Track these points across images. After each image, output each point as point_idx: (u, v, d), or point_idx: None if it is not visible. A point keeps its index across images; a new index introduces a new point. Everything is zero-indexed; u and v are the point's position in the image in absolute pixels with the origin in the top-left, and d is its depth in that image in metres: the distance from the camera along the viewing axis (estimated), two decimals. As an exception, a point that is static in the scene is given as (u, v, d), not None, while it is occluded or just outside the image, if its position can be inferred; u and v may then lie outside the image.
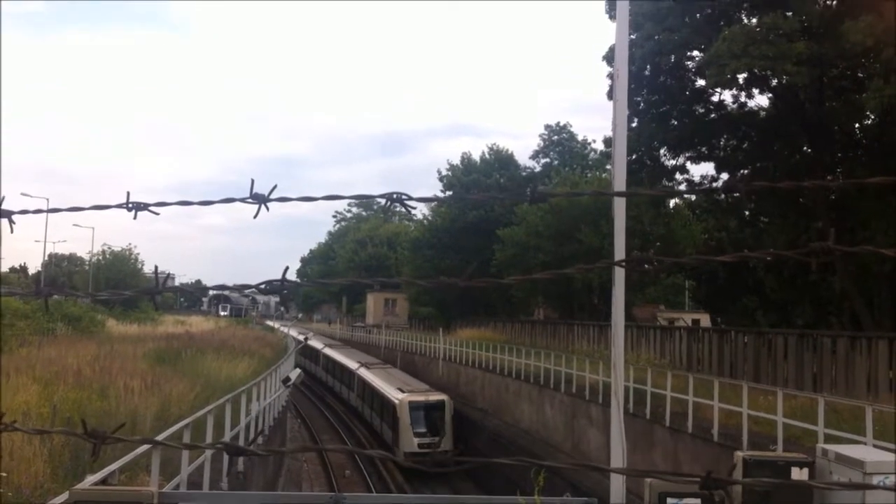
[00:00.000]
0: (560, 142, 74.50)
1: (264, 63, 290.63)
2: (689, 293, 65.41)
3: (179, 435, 13.05)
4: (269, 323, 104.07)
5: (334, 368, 64.18)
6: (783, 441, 19.07)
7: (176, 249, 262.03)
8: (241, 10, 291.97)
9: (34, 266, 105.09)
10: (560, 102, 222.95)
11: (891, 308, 32.26)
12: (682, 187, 40.65)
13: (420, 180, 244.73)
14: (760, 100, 37.44)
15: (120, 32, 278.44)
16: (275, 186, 2.44)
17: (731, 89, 35.80)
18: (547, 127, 75.65)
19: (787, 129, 35.68)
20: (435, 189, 76.20)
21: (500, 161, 72.55)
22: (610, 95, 30.03)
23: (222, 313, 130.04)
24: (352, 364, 57.01)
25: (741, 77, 33.32)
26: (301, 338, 71.00)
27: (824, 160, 35.85)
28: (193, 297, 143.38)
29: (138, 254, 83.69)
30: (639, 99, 36.54)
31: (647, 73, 36.14)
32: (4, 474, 11.89)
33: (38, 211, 3.07)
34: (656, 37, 34.51)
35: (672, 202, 47.13)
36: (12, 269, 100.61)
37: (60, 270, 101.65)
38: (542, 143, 75.07)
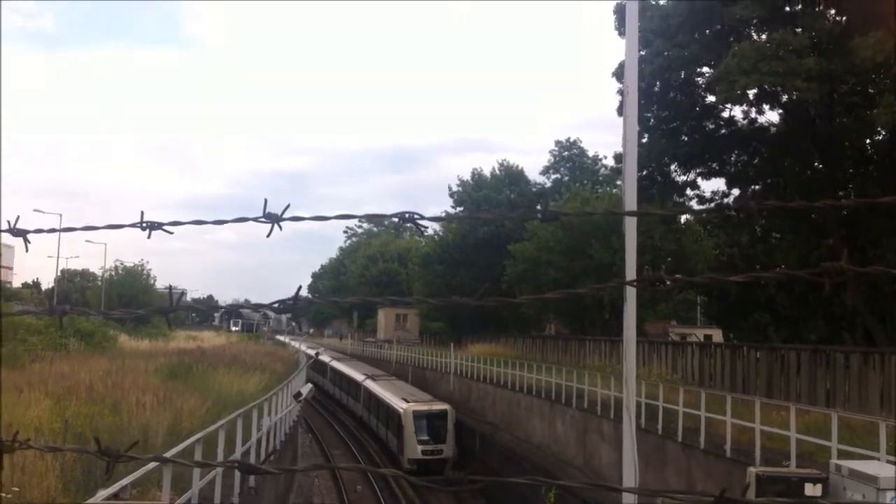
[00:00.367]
0: (570, 157, 74.47)
1: (273, 79, 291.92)
2: (701, 309, 65.30)
3: (191, 450, 13.06)
4: (280, 338, 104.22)
5: (341, 381, 66.00)
6: (796, 457, 18.95)
7: (187, 264, 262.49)
8: (251, 27, 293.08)
9: (47, 282, 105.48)
10: (570, 118, 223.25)
11: (904, 324, 32.13)
12: (693, 203, 40.62)
13: (431, 196, 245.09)
14: (771, 116, 37.48)
15: (130, 50, 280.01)
16: (287, 206, 2.45)
17: (741, 105, 35.82)
18: (557, 143, 75.67)
19: (797, 145, 35.64)
20: (446, 204, 76.39)
21: (511, 177, 72.57)
22: (620, 111, 30.07)
23: (234, 328, 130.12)
24: (358, 376, 59.00)
25: (751, 93, 33.32)
26: (312, 353, 71.19)
27: (835, 176, 35.80)
28: (205, 312, 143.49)
29: (150, 269, 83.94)
30: (649, 115, 36.56)
31: (656, 89, 36.17)
32: (17, 489, 11.91)
33: (53, 230, 3.09)
34: (666, 53, 34.54)
35: (683, 218, 47.08)
36: (25, 285, 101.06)
37: (73, 286, 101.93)
38: (552, 159, 75.07)
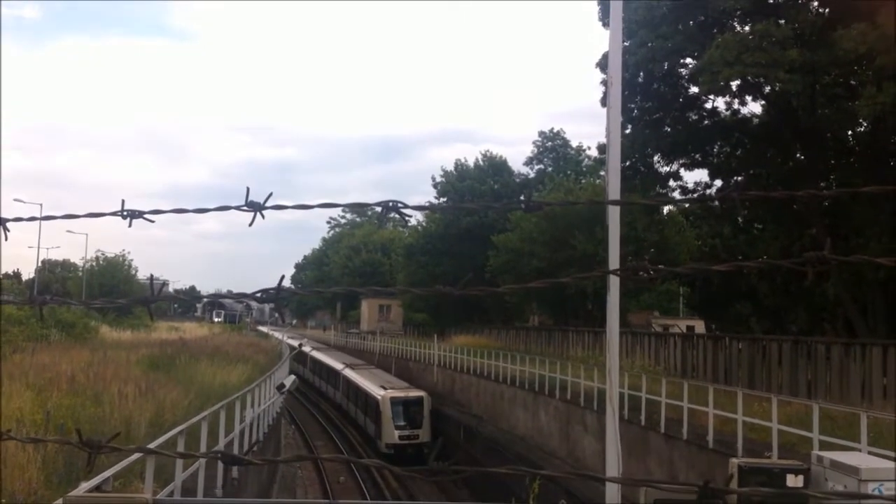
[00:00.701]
0: (554, 148, 74.54)
1: (257, 68, 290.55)
2: (684, 300, 65.54)
3: (174, 442, 13.02)
4: (262, 329, 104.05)
5: (321, 370, 67.55)
6: (778, 448, 19.07)
7: (170, 255, 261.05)
8: (236, 16, 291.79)
9: (27, 272, 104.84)
10: (554, 109, 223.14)
11: (885, 315, 32.32)
12: (676, 194, 40.76)
13: (414, 186, 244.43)
14: (753, 107, 37.62)
15: (115, 39, 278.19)
16: (270, 194, 2.43)
17: (724, 96, 36.00)
18: (541, 133, 75.76)
19: (780, 136, 35.79)
20: (429, 195, 76.25)
21: (494, 167, 72.62)
22: (603, 102, 30.08)
23: (216, 319, 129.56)
24: (337, 365, 60.90)
25: (734, 84, 33.46)
26: (295, 344, 71.23)
27: (817, 167, 35.98)
28: (187, 303, 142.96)
29: (132, 260, 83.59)
30: (632, 106, 36.62)
31: (640, 79, 36.22)
32: (-3, 482, 11.85)
33: (33, 218, 3.06)
34: (650, 44, 34.58)
35: (666, 209, 47.25)
36: (6, 275, 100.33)
37: (54, 276, 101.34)
38: (535, 150, 75.11)
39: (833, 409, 20.19)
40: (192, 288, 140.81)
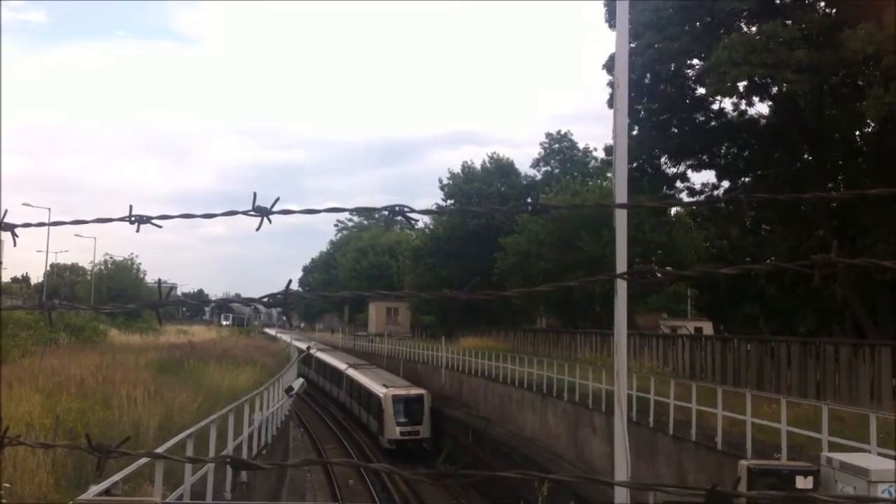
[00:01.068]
0: (561, 150, 74.41)
1: (262, 71, 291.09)
2: (692, 301, 65.39)
3: (183, 445, 13.04)
4: (269, 331, 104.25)
5: (325, 370, 69.36)
6: (787, 449, 19.03)
7: (178, 259, 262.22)
8: (243, 20, 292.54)
9: (36, 276, 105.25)
10: (560, 111, 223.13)
11: (893, 315, 32.21)
12: (683, 195, 40.70)
13: (421, 189, 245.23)
14: (761, 108, 37.54)
15: (121, 42, 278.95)
16: (277, 199, 2.44)
17: (731, 97, 35.91)
18: (548, 135, 75.60)
19: (787, 137, 35.72)
20: (436, 197, 76.40)
21: (501, 169, 72.57)
22: (610, 104, 30.02)
23: (224, 323, 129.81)
24: (341, 365, 62.99)
25: (741, 85, 33.36)
26: (303, 347, 71.44)
27: (825, 168, 35.89)
28: (195, 306, 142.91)
29: (140, 264, 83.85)
30: (639, 107, 36.58)
31: (647, 81, 36.18)
32: (8, 485, 11.88)
33: (41, 224, 3.07)
34: (656, 45, 34.53)
35: (673, 210, 47.15)
36: (14, 280, 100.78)
37: (62, 281, 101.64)
38: (542, 152, 74.99)
39: (842, 410, 20.14)
40: (200, 291, 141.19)
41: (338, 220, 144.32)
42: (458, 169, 73.91)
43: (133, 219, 2.60)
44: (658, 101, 37.38)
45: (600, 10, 37.79)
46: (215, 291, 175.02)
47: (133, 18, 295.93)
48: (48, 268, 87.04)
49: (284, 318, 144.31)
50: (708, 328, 52.15)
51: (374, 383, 50.80)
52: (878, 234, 31.72)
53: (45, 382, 22.06)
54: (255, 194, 2.43)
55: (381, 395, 46.85)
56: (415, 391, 47.79)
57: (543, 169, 74.38)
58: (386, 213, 2.35)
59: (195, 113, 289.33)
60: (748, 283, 39.30)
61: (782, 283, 38.15)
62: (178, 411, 20.47)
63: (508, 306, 62.36)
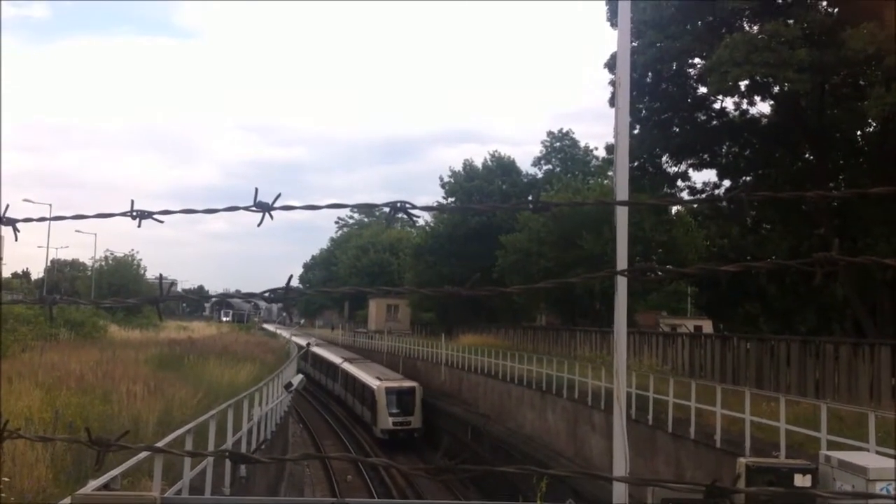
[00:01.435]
0: (562, 148, 74.52)
1: (265, 67, 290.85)
2: (692, 300, 65.42)
3: (182, 440, 13.06)
4: (268, 327, 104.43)
5: (321, 364, 70.97)
6: (786, 447, 19.05)
7: (178, 255, 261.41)
8: (244, 16, 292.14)
9: (37, 272, 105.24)
10: (562, 109, 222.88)
11: (893, 315, 32.22)
12: (685, 194, 40.67)
13: (422, 186, 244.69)
14: (762, 107, 37.52)
15: (123, 37, 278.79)
16: (279, 195, 2.44)
17: (732, 96, 35.90)
18: (549, 134, 75.76)
19: (788, 137, 35.72)
20: (437, 195, 76.32)
21: (502, 168, 72.62)
22: (612, 103, 30.07)
23: (224, 319, 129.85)
24: (336, 359, 65.35)
25: (743, 84, 33.35)
26: (303, 343, 71.74)
27: (826, 167, 35.89)
28: (196, 302, 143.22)
29: (140, 259, 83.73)
30: (640, 106, 36.56)
31: (648, 80, 36.17)
32: (7, 479, 11.89)
33: (43, 219, 3.07)
34: (658, 44, 34.53)
35: (674, 209, 47.18)
36: (15, 275, 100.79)
37: (63, 276, 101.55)
38: (544, 150, 75.12)
39: (841, 408, 20.17)
40: (201, 287, 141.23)
41: (338, 218, 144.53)
42: (459, 167, 74.07)
43: (134, 213, 2.60)
44: (659, 99, 37.38)
45: (602, 8, 37.79)
46: (215, 288, 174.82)
47: (134, 13, 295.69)
48: (49, 263, 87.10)
49: (284, 314, 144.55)
50: (708, 326, 52.16)
51: (368, 376, 52.68)
52: (879, 233, 31.74)
53: (45, 377, 22.07)
54: (256, 190, 2.43)
55: (375, 387, 48.74)
56: (407, 384, 49.80)
57: (545, 167, 74.55)
58: (388, 209, 2.35)
59: (197, 109, 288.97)
60: (748, 282, 39.31)
61: (783, 282, 38.16)
62: (177, 407, 20.51)
63: (509, 303, 62.44)
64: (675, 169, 40.06)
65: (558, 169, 72.73)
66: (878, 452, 15.03)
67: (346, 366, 60.55)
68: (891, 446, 15.71)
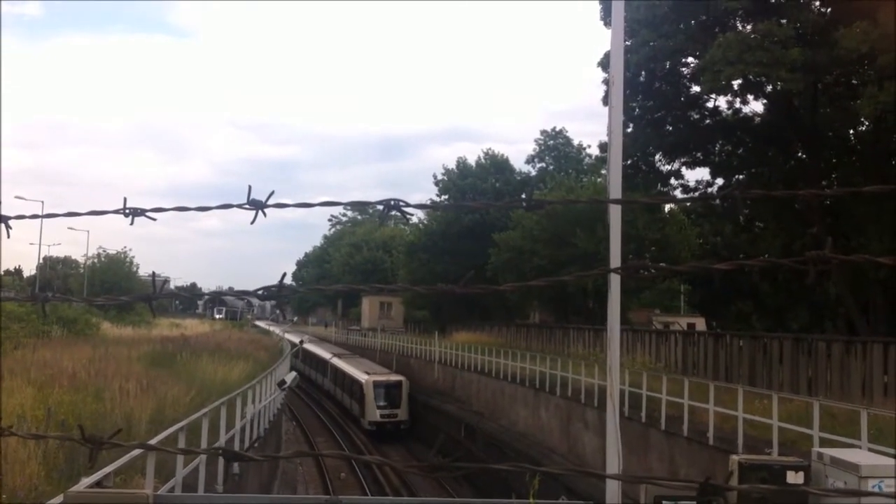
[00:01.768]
0: (555, 147, 74.59)
1: (258, 65, 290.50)
2: (685, 297, 65.46)
3: (175, 438, 13.03)
4: (261, 324, 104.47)
5: (310, 359, 72.33)
6: (779, 445, 19.09)
7: (171, 252, 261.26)
8: (238, 14, 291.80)
9: (29, 269, 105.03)
10: (555, 108, 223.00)
11: (885, 313, 32.32)
12: (678, 192, 40.72)
13: (416, 184, 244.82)
14: (755, 106, 37.52)
15: (117, 35, 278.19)
16: (272, 193, 2.44)
17: (725, 95, 35.90)
18: (542, 132, 75.89)
19: (781, 135, 35.76)
20: (431, 193, 76.39)
21: (496, 166, 72.58)
22: (605, 101, 30.06)
23: (217, 316, 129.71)
24: (325, 354, 67.42)
25: (736, 83, 33.36)
26: (296, 340, 71.80)
27: (819, 166, 35.95)
28: (189, 299, 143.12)
29: (133, 257, 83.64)
30: (634, 105, 36.55)
31: (642, 78, 36.17)
32: (-1, 477, 11.87)
33: (35, 216, 3.07)
34: (651, 43, 34.53)
35: (667, 207, 47.20)
36: (7, 272, 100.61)
37: (55, 273, 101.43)
38: (537, 148, 75.20)
39: (834, 406, 20.21)
40: (194, 285, 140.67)
41: (331, 215, 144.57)
42: (452, 165, 74.00)
43: (127, 211, 2.60)
44: (653, 98, 37.38)
45: (595, 7, 37.90)
46: (208, 285, 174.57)
47: (128, 11, 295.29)
48: (41, 261, 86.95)
49: (278, 311, 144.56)
50: (701, 324, 52.23)
51: (356, 370, 54.54)
52: (871, 232, 31.81)
53: (37, 375, 22.03)
54: (249, 187, 2.44)
55: (363, 381, 50.44)
56: (394, 377, 51.57)
57: (538, 165, 74.61)
58: (381, 207, 2.35)
59: (190, 106, 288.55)
60: (741, 280, 39.36)
61: (775, 280, 38.23)
62: (170, 404, 20.47)
63: (502, 301, 62.44)
64: (668, 167, 40.09)
65: (552, 167, 72.79)
66: (870, 450, 15.06)
67: (336, 361, 62.26)
68: (883, 443, 15.77)
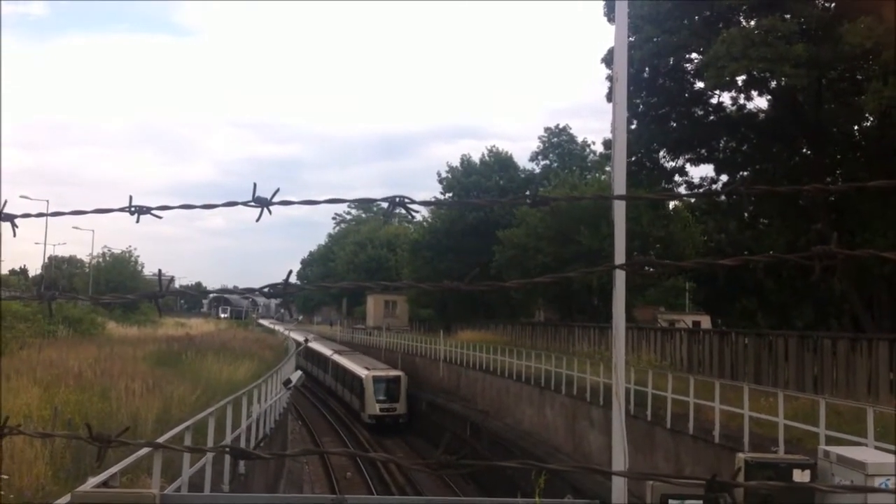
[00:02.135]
0: (559, 144, 74.43)
1: (262, 65, 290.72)
2: (690, 295, 65.40)
3: (181, 437, 13.05)
4: (265, 323, 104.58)
5: (311, 356, 73.74)
6: (784, 443, 19.05)
7: (176, 251, 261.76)
8: (241, 14, 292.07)
9: (34, 268, 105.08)
10: (559, 105, 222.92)
11: (890, 309, 32.25)
12: (682, 189, 40.68)
13: (420, 182, 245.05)
14: (759, 102, 37.47)
15: (120, 35, 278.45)
16: (277, 190, 2.45)
17: (729, 91, 35.83)
18: (546, 129, 75.68)
19: (786, 131, 35.69)
20: (434, 191, 76.29)
21: (500, 163, 72.44)
22: (609, 98, 30.02)
23: (222, 315, 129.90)
24: (326, 351, 69.61)
25: (740, 79, 33.32)
26: (301, 339, 71.91)
27: (823, 162, 35.89)
28: (194, 298, 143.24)
29: (138, 256, 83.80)
30: (638, 101, 36.50)
31: (645, 75, 36.12)
32: (6, 476, 11.89)
33: (41, 214, 3.07)
34: (655, 39, 34.49)
35: (672, 204, 47.10)
36: (12, 272, 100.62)
37: (61, 273, 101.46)
38: (541, 146, 75.03)
39: (839, 403, 20.17)
40: (199, 284, 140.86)
41: (336, 214, 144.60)
42: (456, 162, 73.90)
43: (133, 209, 2.60)
44: (657, 95, 37.33)
45: (599, 4, 37.76)
46: (213, 284, 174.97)
47: (132, 11, 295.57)
48: (46, 260, 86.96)
49: (283, 310, 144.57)
50: (706, 322, 52.17)
51: (356, 366, 56.46)
52: (876, 227, 31.74)
53: (44, 374, 22.05)
54: (254, 185, 2.44)
55: (363, 376, 52.40)
56: (393, 373, 53.51)
57: (542, 163, 74.44)
58: (386, 204, 2.36)
59: (194, 106, 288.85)
60: (746, 277, 39.32)
61: (780, 277, 38.19)
62: (176, 404, 20.48)
63: (507, 299, 62.42)
64: (672, 164, 40.05)
65: (556, 164, 72.64)
66: (876, 447, 15.03)
67: (337, 357, 64.36)
68: (889, 441, 15.73)
